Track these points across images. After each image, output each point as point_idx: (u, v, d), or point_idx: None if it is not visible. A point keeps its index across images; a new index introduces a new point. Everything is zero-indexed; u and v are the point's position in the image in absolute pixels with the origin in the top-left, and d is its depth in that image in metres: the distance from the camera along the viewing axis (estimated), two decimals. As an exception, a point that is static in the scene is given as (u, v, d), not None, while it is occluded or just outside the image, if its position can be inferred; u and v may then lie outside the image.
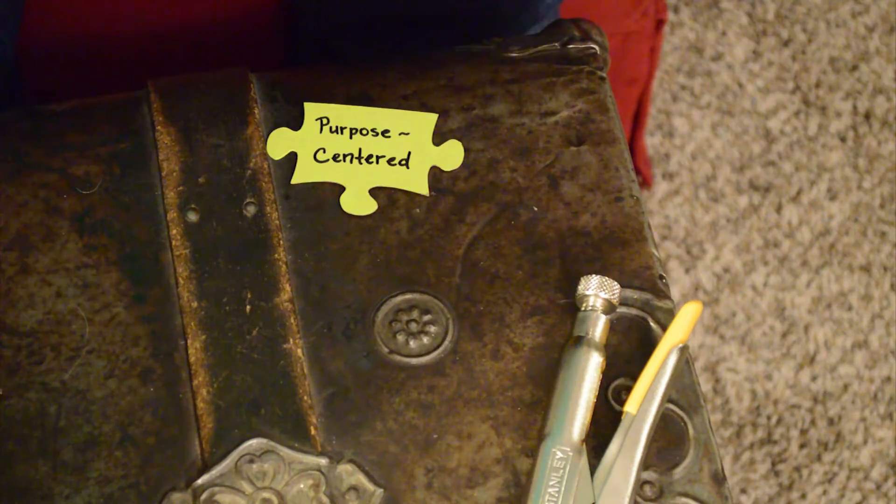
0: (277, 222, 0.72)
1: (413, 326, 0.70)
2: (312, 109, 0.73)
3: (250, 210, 0.72)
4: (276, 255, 0.71)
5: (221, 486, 0.66)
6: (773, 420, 1.42)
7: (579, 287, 0.69)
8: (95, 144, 0.74)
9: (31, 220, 0.72)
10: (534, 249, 0.72)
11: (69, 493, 0.66)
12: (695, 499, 0.67)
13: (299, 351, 0.69)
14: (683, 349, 0.67)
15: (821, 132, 1.56)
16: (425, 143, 0.74)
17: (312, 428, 0.67)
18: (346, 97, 0.76)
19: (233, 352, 0.69)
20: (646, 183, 1.50)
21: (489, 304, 0.71)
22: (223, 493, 0.66)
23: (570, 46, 0.77)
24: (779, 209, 1.52)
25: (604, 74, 0.76)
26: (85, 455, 0.67)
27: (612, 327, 0.70)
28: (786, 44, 1.60)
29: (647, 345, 0.70)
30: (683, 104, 1.57)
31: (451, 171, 0.74)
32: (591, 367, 0.67)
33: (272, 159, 0.74)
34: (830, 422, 1.43)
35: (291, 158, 0.74)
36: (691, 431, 0.68)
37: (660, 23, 1.13)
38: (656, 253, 0.73)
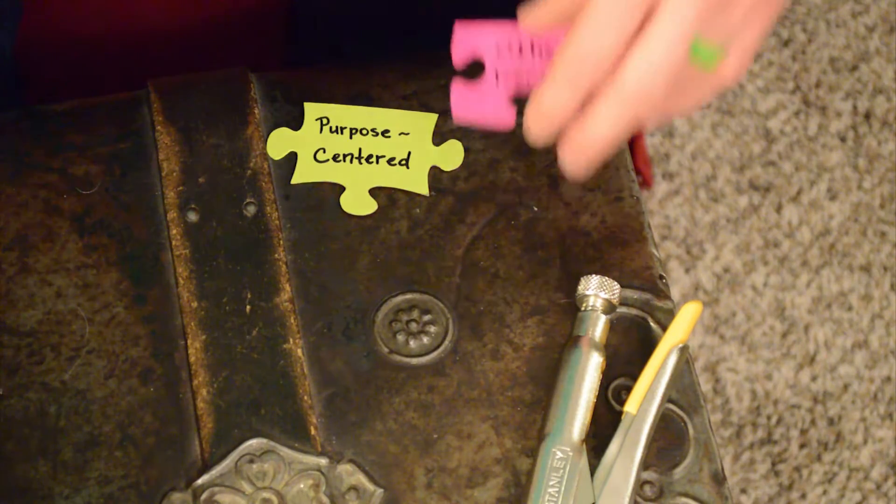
0: (277, 222, 0.72)
1: (413, 326, 0.70)
2: (312, 109, 0.73)
3: (250, 210, 0.72)
4: (276, 255, 0.71)
5: (221, 486, 0.66)
6: (773, 420, 1.42)
7: (579, 287, 0.69)
8: (95, 144, 0.74)
9: (31, 220, 0.72)
10: (534, 249, 0.72)
11: (69, 493, 0.66)
12: (695, 499, 0.67)
13: (299, 351, 0.69)
14: (683, 349, 0.67)
15: (821, 132, 1.56)
16: (425, 143, 0.74)
17: (312, 428, 0.67)
18: (346, 97, 0.76)
19: (233, 352, 0.69)
20: (646, 183, 1.50)
21: (489, 304, 0.71)
22: (223, 493, 0.66)
23: (570, 46, 0.77)
24: (779, 209, 1.52)
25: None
26: (85, 455, 0.67)
27: (612, 327, 0.70)
28: (786, 44, 1.60)
29: (647, 345, 0.70)
30: (683, 104, 1.56)
31: (451, 171, 0.74)
32: (591, 367, 0.67)
33: (272, 159, 0.74)
34: (830, 422, 1.43)
35: (291, 158, 0.74)
36: (691, 431, 0.68)
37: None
38: (656, 253, 0.73)
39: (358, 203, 0.73)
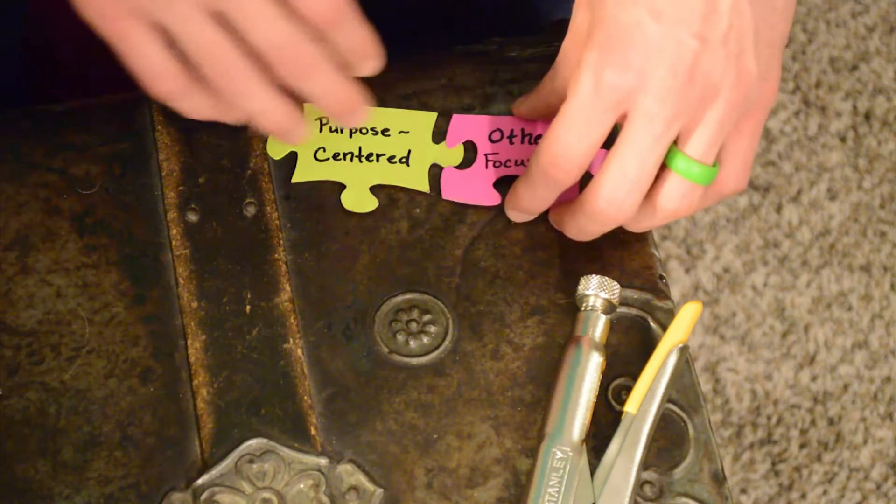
0: (277, 222, 0.72)
1: (413, 326, 0.70)
2: (312, 109, 0.73)
3: (250, 210, 0.72)
4: (276, 255, 0.71)
5: (221, 486, 0.66)
6: (773, 420, 1.42)
7: (579, 287, 0.69)
8: (95, 144, 0.74)
9: (31, 220, 0.72)
10: (534, 249, 0.72)
11: (69, 493, 0.66)
12: (695, 499, 0.67)
13: (299, 351, 0.69)
14: (683, 349, 0.67)
15: (821, 132, 1.56)
16: (425, 140, 0.75)
17: (312, 428, 0.67)
18: (346, 97, 0.76)
19: (233, 352, 0.69)
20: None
21: (489, 304, 0.71)
22: (223, 493, 0.66)
23: (570, 46, 0.77)
24: (779, 209, 1.52)
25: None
26: (85, 455, 0.67)
27: (612, 327, 0.70)
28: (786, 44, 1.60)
29: (647, 345, 0.70)
30: (683, 104, 1.56)
31: (451, 171, 0.75)
32: (591, 367, 0.67)
33: (272, 159, 0.74)
34: (830, 422, 1.43)
35: (291, 158, 0.74)
36: (691, 431, 0.68)
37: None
38: (656, 253, 0.73)
39: (359, 201, 0.73)
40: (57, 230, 0.72)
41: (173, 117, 0.74)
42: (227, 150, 0.73)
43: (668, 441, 0.68)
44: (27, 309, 0.70)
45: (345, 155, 0.74)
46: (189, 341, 0.69)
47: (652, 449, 0.67)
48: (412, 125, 0.74)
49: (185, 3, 0.65)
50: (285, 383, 0.68)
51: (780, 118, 1.56)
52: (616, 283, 0.69)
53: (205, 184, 0.73)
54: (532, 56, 0.77)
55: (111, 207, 0.73)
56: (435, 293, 0.71)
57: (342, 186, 0.73)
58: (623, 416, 0.66)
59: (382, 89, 0.76)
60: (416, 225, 0.73)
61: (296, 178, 0.73)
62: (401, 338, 0.70)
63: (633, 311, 0.71)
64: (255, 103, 0.66)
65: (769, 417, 1.42)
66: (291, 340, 0.69)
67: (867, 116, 1.57)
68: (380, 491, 0.67)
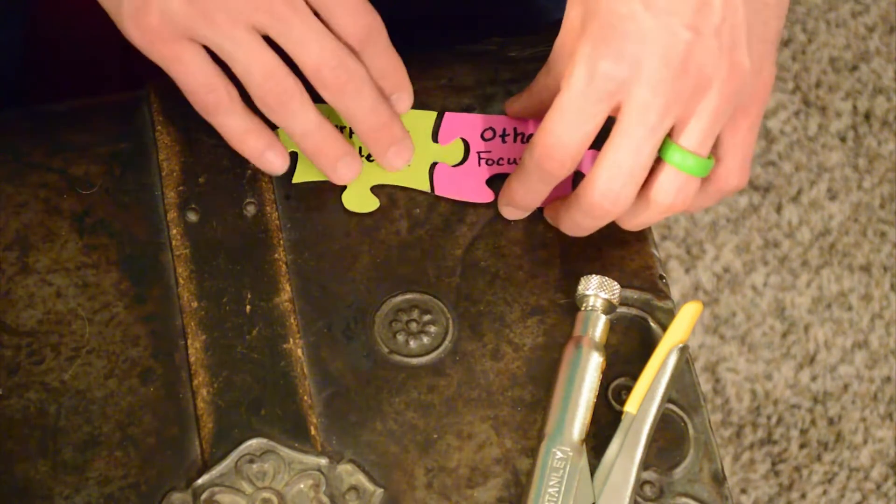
0: (277, 222, 0.72)
1: (413, 326, 0.70)
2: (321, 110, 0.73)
3: (250, 210, 0.72)
4: (276, 255, 0.71)
5: (221, 485, 0.66)
6: (773, 420, 1.42)
7: (579, 287, 0.69)
8: (95, 144, 0.74)
9: (31, 220, 0.72)
10: (534, 249, 0.72)
11: (69, 493, 0.66)
12: (695, 499, 0.67)
13: (299, 351, 0.69)
14: (683, 349, 0.67)
15: (821, 132, 1.56)
16: (426, 140, 0.75)
17: (312, 428, 0.67)
18: (346, 97, 0.76)
19: (233, 352, 0.69)
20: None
21: (489, 304, 0.71)
22: (223, 493, 0.66)
23: (570, 46, 0.77)
24: (779, 209, 1.52)
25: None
26: (85, 455, 0.67)
27: (612, 327, 0.70)
28: (786, 44, 1.60)
29: (647, 345, 0.70)
30: (683, 104, 1.57)
31: (451, 171, 0.75)
32: (591, 367, 0.67)
33: (272, 159, 0.74)
34: (830, 422, 1.43)
35: (291, 158, 0.74)
36: (691, 431, 0.68)
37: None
38: (656, 253, 0.73)
39: (360, 201, 0.73)
40: (57, 230, 0.72)
41: (173, 117, 0.74)
42: (227, 150, 0.73)
43: (668, 441, 0.68)
44: (27, 309, 0.70)
45: None
46: (189, 341, 0.69)
47: (652, 449, 0.67)
48: (412, 125, 0.74)
49: (233, 26, 0.67)
50: (285, 383, 0.68)
51: (780, 118, 1.56)
52: (616, 283, 0.69)
53: (205, 184, 0.73)
54: (532, 56, 0.77)
55: (111, 207, 0.73)
56: (435, 293, 0.71)
57: (343, 186, 0.73)
58: (623, 416, 0.66)
59: (382, 89, 0.76)
60: (416, 225, 0.73)
61: (296, 179, 0.73)
62: (401, 338, 0.70)
63: (633, 311, 0.71)
64: (299, 124, 0.69)
65: (769, 417, 1.43)
66: (291, 340, 0.69)
67: (867, 116, 1.57)
68: (380, 491, 0.67)
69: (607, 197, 0.66)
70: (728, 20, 0.65)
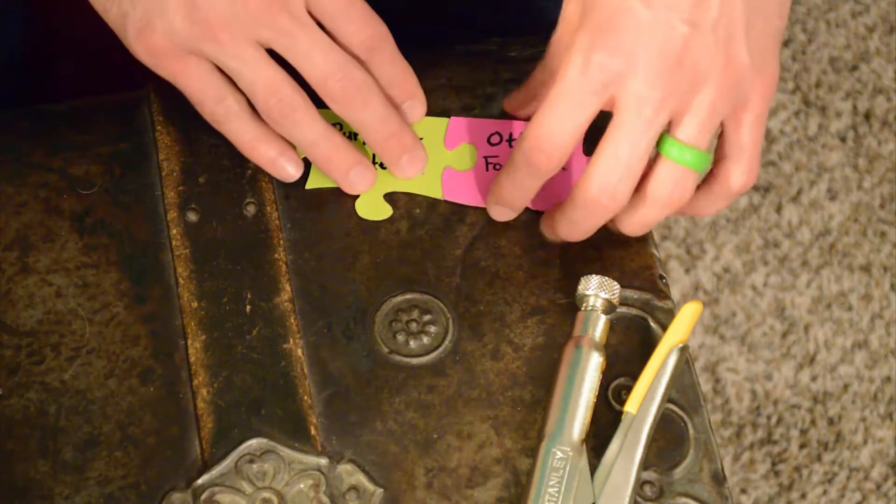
0: (277, 222, 0.72)
1: (413, 326, 0.70)
2: (326, 116, 0.73)
3: (250, 210, 0.72)
4: (276, 255, 0.71)
5: (221, 485, 0.66)
6: (773, 420, 1.42)
7: (579, 287, 0.69)
8: (95, 144, 0.74)
9: (31, 220, 0.72)
10: (534, 249, 0.72)
11: (69, 493, 0.66)
12: (695, 499, 0.67)
13: (299, 351, 0.69)
14: (683, 349, 0.67)
15: (821, 132, 1.56)
16: (438, 146, 0.74)
17: (312, 428, 0.67)
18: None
19: (233, 352, 0.69)
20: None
21: (489, 304, 0.71)
22: (223, 493, 0.66)
23: (570, 46, 0.77)
24: (779, 209, 1.52)
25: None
26: (85, 455, 0.67)
27: (612, 327, 0.70)
28: (786, 44, 1.60)
29: (647, 345, 0.70)
30: (683, 104, 1.57)
31: (451, 171, 0.75)
32: (591, 367, 0.67)
33: (272, 159, 0.74)
34: (830, 422, 1.43)
35: (305, 165, 0.74)
36: (691, 431, 0.68)
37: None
38: (656, 253, 0.73)
39: (373, 208, 0.73)
40: (57, 230, 0.72)
41: (173, 117, 0.74)
42: (227, 149, 0.73)
43: (668, 441, 0.68)
44: (27, 309, 0.70)
45: None
46: (189, 341, 0.69)
47: (652, 449, 0.67)
48: (424, 131, 0.74)
49: (237, 43, 0.67)
50: (285, 383, 0.68)
51: (780, 118, 1.56)
52: (616, 283, 0.69)
53: (205, 184, 0.73)
54: (532, 56, 0.77)
55: (111, 207, 0.73)
56: (435, 293, 0.71)
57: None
58: (623, 416, 0.66)
59: (382, 89, 0.76)
60: (416, 225, 0.73)
61: (310, 185, 0.73)
62: (401, 338, 0.70)
63: (633, 311, 0.71)
64: (306, 135, 0.69)
65: (769, 417, 1.43)
66: (291, 340, 0.69)
67: (867, 116, 1.57)
68: (380, 491, 0.67)
69: (605, 191, 0.66)
70: (726, 15, 0.65)
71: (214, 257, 0.71)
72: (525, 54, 0.77)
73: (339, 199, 0.73)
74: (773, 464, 1.41)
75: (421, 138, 0.74)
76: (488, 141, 0.74)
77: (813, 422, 1.43)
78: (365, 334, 0.70)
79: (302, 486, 0.66)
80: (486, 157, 0.74)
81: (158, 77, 0.71)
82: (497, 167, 0.74)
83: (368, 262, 0.72)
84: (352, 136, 0.74)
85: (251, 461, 0.67)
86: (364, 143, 0.73)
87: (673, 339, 0.67)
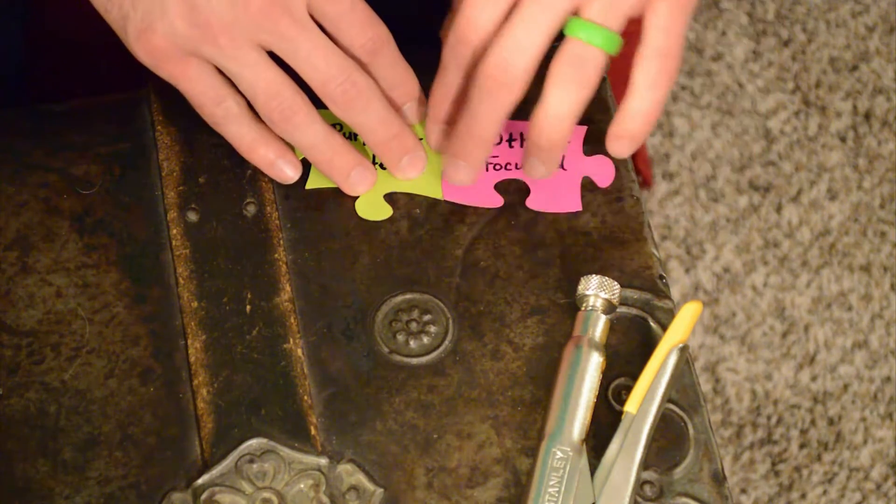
0: (277, 222, 0.72)
1: (413, 326, 0.70)
2: (325, 116, 0.73)
3: (250, 210, 0.73)
4: (276, 255, 0.71)
5: (222, 485, 0.66)
6: (773, 420, 1.42)
7: (579, 287, 0.69)
8: (95, 144, 0.74)
9: (31, 220, 0.72)
10: (534, 249, 0.72)
11: (69, 493, 0.66)
12: (695, 499, 0.67)
13: (299, 351, 0.69)
14: (683, 349, 0.67)
15: (821, 132, 1.56)
16: (437, 146, 0.74)
17: (312, 428, 0.67)
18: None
19: (233, 352, 0.69)
20: (646, 183, 1.50)
21: (489, 304, 0.71)
22: (223, 493, 0.66)
23: (570, 46, 0.77)
24: (779, 209, 1.52)
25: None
26: (85, 455, 0.67)
27: (612, 327, 0.70)
28: (786, 44, 1.60)
29: (647, 345, 0.70)
30: (683, 104, 1.57)
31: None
32: (591, 367, 0.67)
33: (272, 159, 0.74)
34: (830, 422, 1.43)
35: (304, 165, 0.74)
36: (691, 431, 0.68)
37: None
38: (656, 253, 0.73)
39: (373, 209, 0.73)
40: (57, 230, 0.72)
41: (173, 117, 0.74)
42: (227, 150, 0.73)
43: (668, 441, 0.68)
44: (27, 309, 0.70)
45: None
46: (189, 341, 0.69)
47: (652, 449, 0.67)
48: (424, 132, 0.74)
49: (237, 47, 0.67)
50: (285, 383, 0.68)
51: (780, 118, 1.56)
52: (616, 283, 0.69)
53: (205, 184, 0.73)
54: (532, 56, 0.77)
55: (111, 207, 0.73)
56: (435, 293, 0.71)
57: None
58: (623, 416, 0.66)
59: (382, 89, 0.76)
60: (416, 225, 0.73)
61: (310, 185, 0.73)
62: (401, 338, 0.70)
63: (633, 311, 0.71)
64: (306, 138, 0.69)
65: (769, 417, 1.43)
66: (291, 340, 0.69)
67: (867, 116, 1.57)
68: (380, 491, 0.67)
69: (498, 66, 0.66)
70: None
71: (214, 257, 0.71)
72: (525, 54, 0.77)
73: (339, 199, 0.73)
74: (773, 464, 1.41)
75: (421, 139, 0.74)
76: None
77: (813, 422, 1.43)
78: (365, 334, 0.70)
79: (302, 486, 0.66)
80: (487, 160, 0.74)
81: (159, 77, 0.71)
82: (497, 167, 0.74)
83: (368, 262, 0.72)
84: (351, 137, 0.74)
85: (251, 461, 0.67)
86: (364, 144, 0.73)
87: (673, 339, 0.67)
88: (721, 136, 1.55)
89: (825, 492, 1.40)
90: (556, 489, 0.65)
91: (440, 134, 0.72)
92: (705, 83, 1.57)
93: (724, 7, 1.61)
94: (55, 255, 0.71)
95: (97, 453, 0.67)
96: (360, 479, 0.67)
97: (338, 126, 0.74)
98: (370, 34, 0.69)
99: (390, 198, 0.73)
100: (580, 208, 0.73)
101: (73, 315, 0.70)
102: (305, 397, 0.68)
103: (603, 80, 0.76)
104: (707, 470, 0.68)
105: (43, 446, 0.67)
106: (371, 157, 0.74)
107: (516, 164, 0.74)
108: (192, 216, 0.72)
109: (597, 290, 0.69)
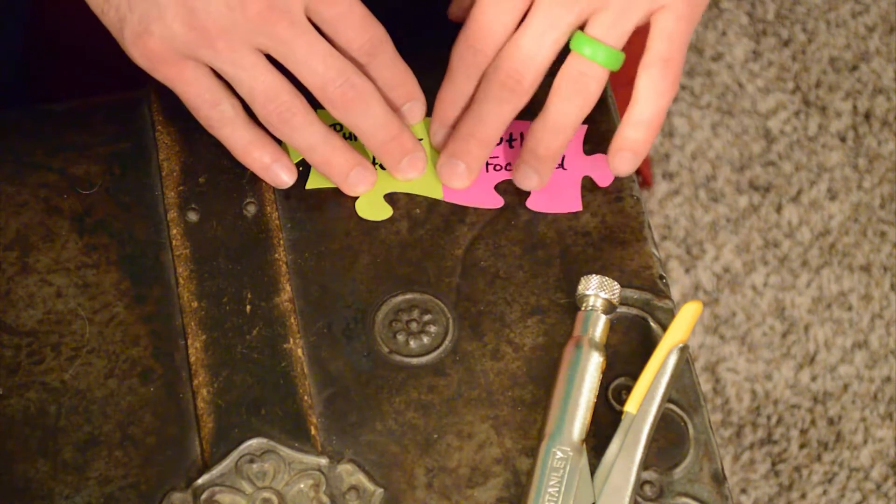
0: (277, 222, 0.72)
1: (413, 326, 0.70)
2: (324, 117, 0.73)
3: (250, 210, 0.73)
4: (276, 255, 0.71)
5: (222, 485, 0.66)
6: (773, 420, 1.42)
7: (579, 287, 0.69)
8: (95, 144, 0.74)
9: (31, 220, 0.72)
10: (534, 249, 0.72)
11: (69, 493, 0.66)
12: (695, 499, 0.67)
13: (299, 351, 0.69)
14: (683, 349, 0.67)
15: (821, 132, 1.56)
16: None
17: (312, 428, 0.67)
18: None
19: (233, 352, 0.69)
20: (646, 183, 1.50)
21: (489, 304, 0.71)
22: (223, 493, 0.66)
23: (570, 46, 0.77)
24: (779, 209, 1.52)
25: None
26: (85, 455, 0.67)
27: (612, 327, 0.70)
28: (786, 44, 1.60)
29: (647, 345, 0.70)
30: (683, 104, 1.57)
31: (451, 171, 0.74)
32: (591, 367, 0.67)
33: (272, 159, 0.74)
34: (830, 422, 1.43)
35: (303, 164, 0.74)
36: (691, 431, 0.68)
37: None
38: (656, 253, 0.73)
39: (374, 209, 0.73)
40: (57, 230, 0.72)
41: (173, 117, 0.74)
42: (227, 150, 0.73)
43: (668, 441, 0.68)
44: (27, 309, 0.70)
45: None
46: (189, 341, 0.69)
47: (652, 449, 0.67)
48: (424, 133, 0.74)
49: (234, 50, 0.67)
50: (285, 383, 0.68)
51: (780, 118, 1.56)
52: (616, 283, 0.69)
53: (205, 184, 0.73)
54: (532, 56, 0.77)
55: (111, 207, 0.73)
56: (435, 293, 0.71)
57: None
58: (623, 416, 0.66)
59: (382, 89, 0.76)
60: (416, 225, 0.73)
61: (310, 185, 0.73)
62: (401, 338, 0.70)
63: (633, 311, 0.71)
64: (304, 140, 0.69)
65: (769, 417, 1.43)
66: (291, 340, 0.69)
67: (867, 116, 1.57)
68: (380, 491, 0.67)
69: (511, 77, 0.69)
70: None
71: (214, 257, 0.71)
72: (525, 54, 0.77)
73: (339, 199, 0.73)
74: (773, 464, 1.41)
75: (420, 139, 0.74)
76: None
77: (813, 422, 1.43)
78: (365, 334, 0.70)
79: (302, 485, 0.66)
80: (487, 161, 0.74)
81: (157, 78, 0.71)
82: (497, 168, 0.74)
83: (368, 262, 0.72)
84: (351, 137, 0.74)
85: (251, 461, 0.67)
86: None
87: (673, 339, 0.67)
88: (721, 136, 1.55)
89: (825, 492, 1.40)
90: (556, 489, 0.65)
91: (446, 136, 0.73)
92: (705, 83, 1.57)
93: (724, 7, 1.61)
94: (55, 255, 0.71)
95: (97, 453, 0.67)
96: (360, 479, 0.67)
97: (337, 126, 0.74)
98: (368, 35, 0.69)
99: (390, 198, 0.73)
100: (580, 208, 0.73)
101: (73, 315, 0.70)
102: (305, 397, 0.68)
103: None
104: (707, 470, 0.68)
105: (43, 446, 0.67)
106: (370, 157, 0.74)
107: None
108: (193, 216, 0.72)
109: (597, 290, 0.69)
